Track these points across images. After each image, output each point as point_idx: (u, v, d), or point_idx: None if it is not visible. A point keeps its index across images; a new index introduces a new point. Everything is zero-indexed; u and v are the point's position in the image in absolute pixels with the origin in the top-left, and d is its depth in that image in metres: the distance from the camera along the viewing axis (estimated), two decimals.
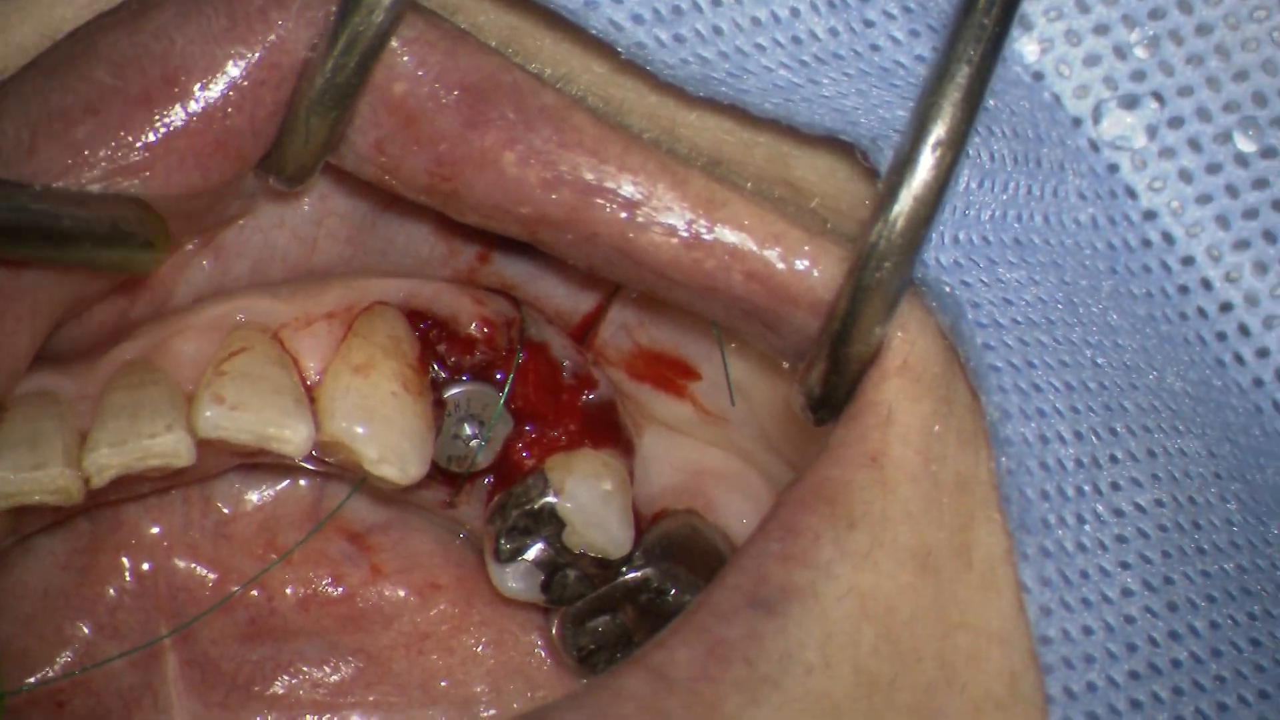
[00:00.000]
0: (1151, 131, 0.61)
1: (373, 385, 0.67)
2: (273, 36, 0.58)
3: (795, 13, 0.59)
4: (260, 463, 0.72)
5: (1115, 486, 0.58)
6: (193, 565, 0.73)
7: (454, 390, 0.71)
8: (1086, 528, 0.57)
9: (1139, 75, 0.61)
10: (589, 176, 0.59)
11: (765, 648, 0.54)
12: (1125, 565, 0.57)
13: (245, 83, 0.58)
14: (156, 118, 0.58)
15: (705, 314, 0.64)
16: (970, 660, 0.56)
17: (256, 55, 0.58)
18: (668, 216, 0.60)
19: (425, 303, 0.70)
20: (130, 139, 0.59)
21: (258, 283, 0.70)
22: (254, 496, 0.75)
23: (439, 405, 0.70)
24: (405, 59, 0.58)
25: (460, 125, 0.59)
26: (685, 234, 0.60)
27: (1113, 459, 0.58)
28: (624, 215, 0.59)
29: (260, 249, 0.69)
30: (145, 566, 0.73)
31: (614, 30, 0.57)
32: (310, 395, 0.68)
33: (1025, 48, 0.61)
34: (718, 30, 0.58)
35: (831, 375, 0.59)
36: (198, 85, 0.58)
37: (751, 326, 0.62)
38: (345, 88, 0.58)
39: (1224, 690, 0.59)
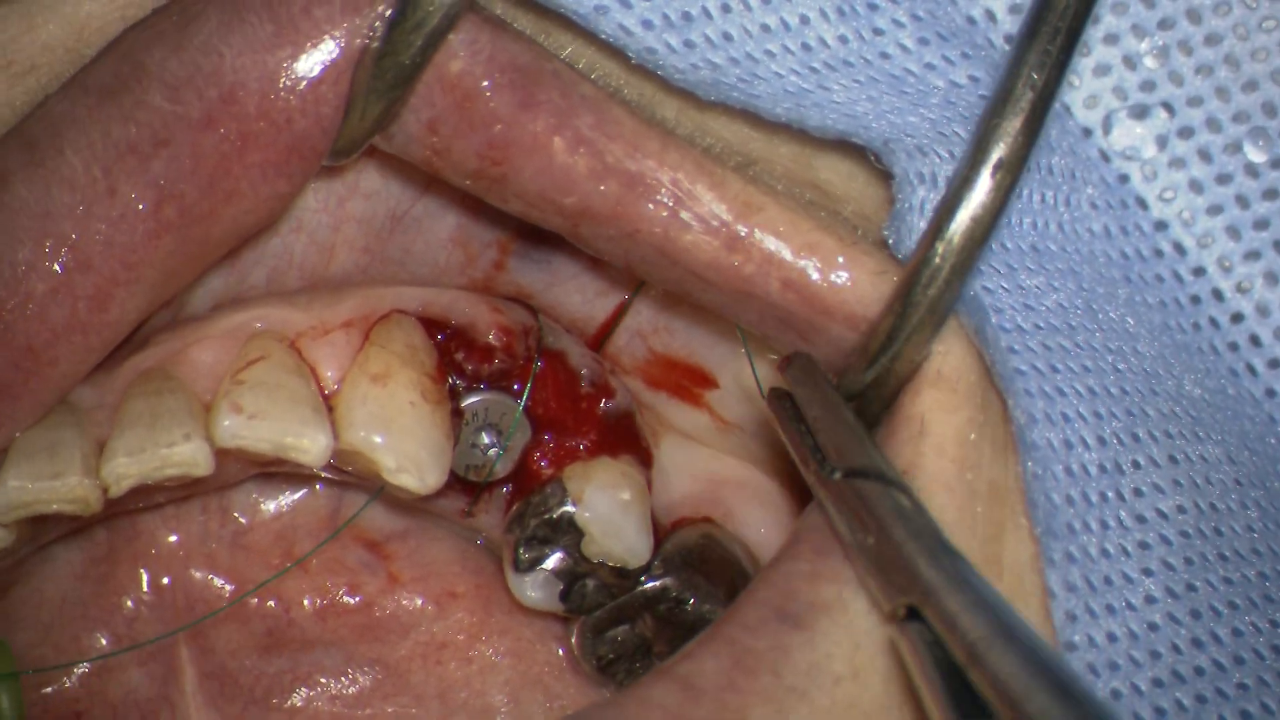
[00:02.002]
0: (1161, 142, 0.61)
1: (390, 394, 0.67)
2: (322, 34, 0.58)
3: (805, 20, 0.59)
4: (278, 472, 0.72)
5: (1138, 492, 0.58)
6: (210, 576, 0.73)
7: (472, 399, 0.71)
8: (1110, 533, 0.57)
9: (1149, 85, 0.61)
10: (632, 169, 0.59)
11: (793, 659, 0.54)
12: (1148, 572, 0.57)
13: (304, 85, 0.58)
14: (225, 140, 0.58)
15: (737, 319, 0.63)
16: None
17: (310, 56, 0.58)
18: (707, 218, 0.60)
19: (442, 311, 0.70)
20: (207, 166, 0.58)
21: (274, 291, 0.70)
22: (271, 506, 0.74)
23: (457, 415, 0.70)
24: (459, 38, 0.58)
25: (514, 106, 0.58)
26: (725, 236, 0.60)
27: (1135, 465, 0.58)
28: (665, 214, 0.59)
29: (277, 256, 0.69)
30: (163, 578, 0.72)
31: (624, 35, 0.57)
32: (328, 404, 0.68)
33: None
34: (727, 36, 0.58)
35: (870, 391, 0.59)
36: (257, 98, 0.58)
37: (784, 335, 0.62)
38: (410, 69, 0.57)
39: (1247, 697, 0.58)
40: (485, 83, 0.58)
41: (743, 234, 0.60)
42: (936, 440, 0.57)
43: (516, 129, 0.59)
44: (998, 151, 0.55)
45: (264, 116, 0.58)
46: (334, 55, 0.58)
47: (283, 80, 0.58)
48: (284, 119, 0.58)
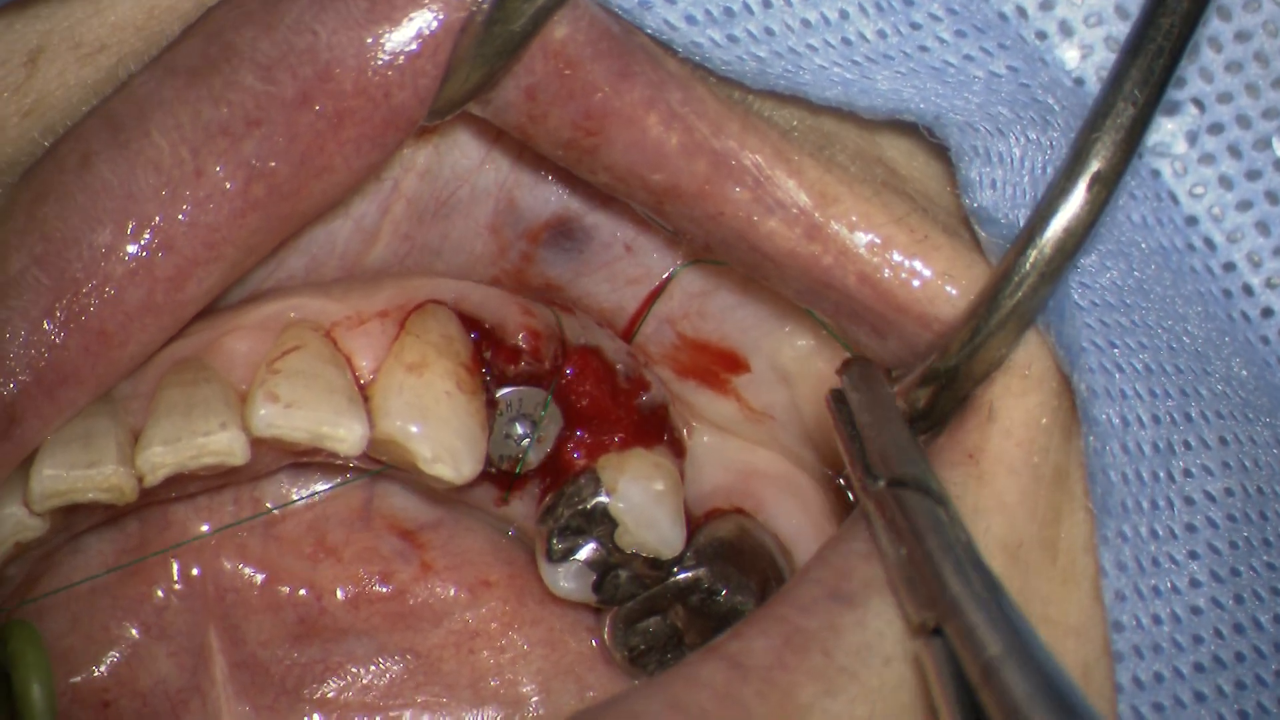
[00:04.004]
0: (1191, 138, 0.62)
1: (426, 384, 0.67)
2: (419, 6, 0.57)
3: (844, 15, 0.59)
4: (310, 461, 0.72)
5: (1188, 473, 0.58)
6: (241, 566, 0.73)
7: (506, 390, 0.71)
8: (1160, 514, 0.57)
9: (1179, 82, 0.61)
10: (719, 148, 0.59)
11: (844, 639, 0.54)
12: (1194, 555, 0.58)
13: (402, 59, 0.57)
14: (321, 117, 0.58)
15: (812, 309, 0.64)
16: None
17: (407, 29, 0.57)
18: (787, 204, 0.60)
19: (474, 308, 0.70)
20: (300, 144, 0.58)
21: (311, 281, 0.70)
22: (303, 496, 0.74)
23: (491, 405, 0.70)
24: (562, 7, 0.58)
25: (613, 76, 0.58)
26: (804, 225, 0.60)
27: (1186, 445, 0.58)
28: (749, 198, 0.60)
29: (320, 244, 0.69)
30: (193, 568, 0.72)
31: (669, 30, 0.58)
32: (364, 394, 0.67)
33: (1066, 54, 0.61)
34: (769, 31, 0.58)
35: (944, 392, 0.59)
36: (354, 74, 0.57)
37: (858, 328, 0.62)
38: (519, 36, 0.57)
39: None
40: (588, 51, 0.58)
41: (820, 223, 0.60)
42: (1004, 424, 0.58)
43: (615, 99, 0.59)
44: (1095, 164, 0.56)
45: (361, 93, 0.58)
46: (432, 27, 0.57)
47: (380, 56, 0.57)
48: (381, 94, 0.58)
